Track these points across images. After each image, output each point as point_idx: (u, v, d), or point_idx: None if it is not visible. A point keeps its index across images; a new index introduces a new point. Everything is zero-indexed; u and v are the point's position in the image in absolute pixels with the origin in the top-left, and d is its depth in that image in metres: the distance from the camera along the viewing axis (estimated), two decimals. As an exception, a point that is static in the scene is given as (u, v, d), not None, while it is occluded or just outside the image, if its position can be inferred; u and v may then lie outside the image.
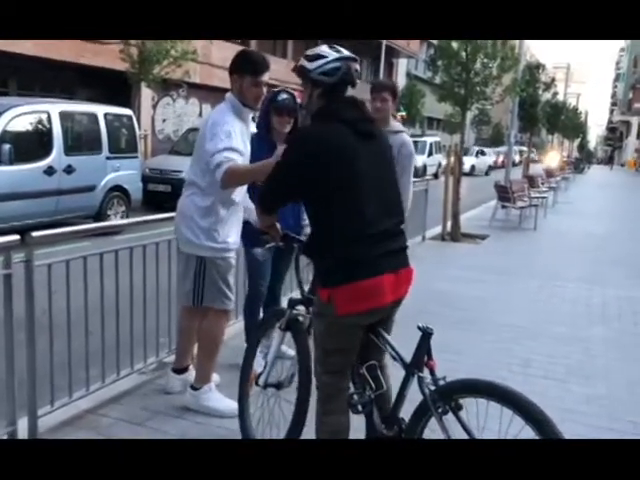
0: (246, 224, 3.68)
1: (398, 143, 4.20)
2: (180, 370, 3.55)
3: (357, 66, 2.46)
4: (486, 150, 37.39)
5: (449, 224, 9.79)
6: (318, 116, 2.42)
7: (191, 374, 3.53)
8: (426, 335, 2.30)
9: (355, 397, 2.48)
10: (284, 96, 3.74)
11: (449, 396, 2.26)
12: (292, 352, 3.36)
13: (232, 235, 3.29)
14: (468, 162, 27.38)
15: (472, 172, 28.93)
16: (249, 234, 3.75)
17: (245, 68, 3.15)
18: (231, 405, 3.27)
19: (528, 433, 2.09)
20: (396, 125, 4.42)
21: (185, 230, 3.22)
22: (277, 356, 2.97)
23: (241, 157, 3.05)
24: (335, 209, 2.31)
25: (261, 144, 3.67)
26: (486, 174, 29.69)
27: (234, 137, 3.01)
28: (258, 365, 3.24)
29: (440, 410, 2.24)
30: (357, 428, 2.58)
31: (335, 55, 2.37)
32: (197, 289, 3.27)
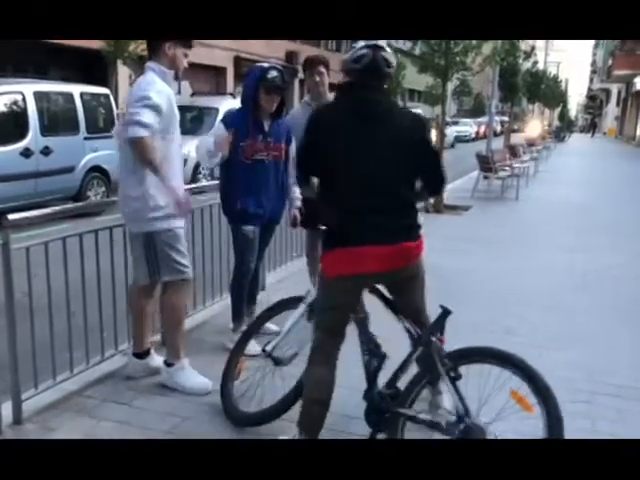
0: (236, 204, 3.68)
1: None
2: (140, 354, 3.50)
3: (385, 54, 2.56)
4: (461, 120, 37.35)
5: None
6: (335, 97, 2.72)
7: (153, 358, 3.51)
8: (445, 314, 2.58)
9: (367, 354, 2.72)
10: (274, 74, 3.68)
11: (458, 360, 2.52)
12: (276, 328, 3.38)
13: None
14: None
15: None
16: (239, 212, 3.75)
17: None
18: (202, 383, 3.31)
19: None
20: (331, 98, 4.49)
21: (124, 207, 3.22)
22: (290, 331, 2.99)
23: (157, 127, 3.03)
24: (323, 183, 2.57)
25: (246, 120, 3.64)
26: (452, 146, 28.89)
27: (153, 108, 2.99)
28: (254, 350, 3.27)
29: (452, 374, 2.48)
30: (357, 428, 2.61)
31: (362, 43, 2.54)
32: (152, 266, 3.25)
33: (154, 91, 3.03)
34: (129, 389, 3.36)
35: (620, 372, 3.78)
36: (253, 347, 3.30)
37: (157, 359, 3.52)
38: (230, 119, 3.79)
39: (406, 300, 2.74)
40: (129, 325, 3.60)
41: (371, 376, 2.70)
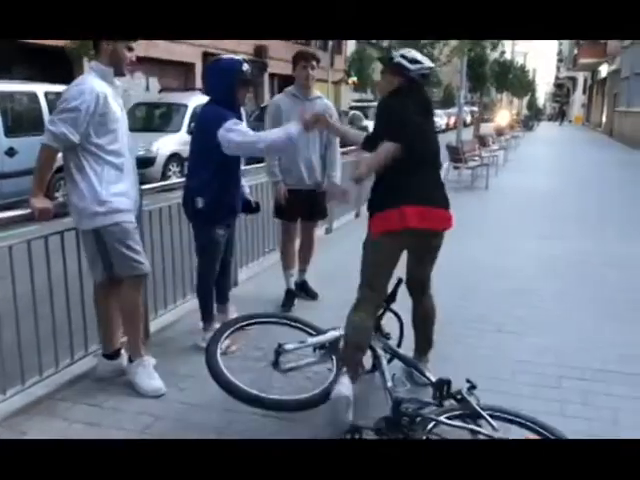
0: (209, 204, 3.63)
1: (323, 108, 4.31)
2: (111, 355, 3.47)
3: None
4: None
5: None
6: (395, 94, 3.22)
7: (124, 358, 3.49)
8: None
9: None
10: (247, 67, 3.64)
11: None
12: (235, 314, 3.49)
13: (118, 194, 3.15)
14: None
15: None
16: (210, 213, 3.68)
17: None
18: (154, 385, 3.30)
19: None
20: (316, 91, 4.62)
21: (69, 205, 3.20)
22: (315, 352, 3.16)
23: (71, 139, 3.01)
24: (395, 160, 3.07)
25: (223, 116, 3.48)
26: None
27: (73, 117, 2.98)
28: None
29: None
30: (368, 385, 2.62)
31: (428, 64, 3.26)
32: (105, 262, 3.23)
33: (79, 93, 3.00)
34: (100, 390, 3.33)
35: (586, 355, 3.86)
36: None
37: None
38: (221, 112, 3.56)
39: (422, 270, 3.39)
40: (99, 326, 3.57)
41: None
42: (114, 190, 3.14)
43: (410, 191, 3.02)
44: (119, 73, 3.24)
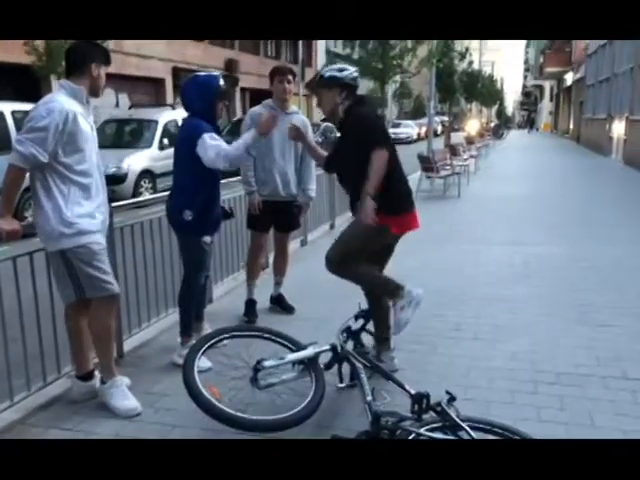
0: (197, 215, 3.66)
1: (300, 123, 4.36)
2: (84, 377, 3.41)
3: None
4: (403, 122, 37.71)
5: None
6: (357, 105, 3.55)
7: (98, 380, 3.43)
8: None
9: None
10: (223, 82, 3.74)
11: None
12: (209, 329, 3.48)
13: (84, 215, 3.10)
14: None
15: None
16: (198, 224, 3.71)
17: (101, 58, 3.20)
18: (129, 405, 3.25)
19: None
20: (293, 106, 4.71)
21: (36, 226, 3.15)
22: (294, 368, 3.14)
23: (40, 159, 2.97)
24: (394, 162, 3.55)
25: (202, 128, 3.58)
26: None
27: (40, 136, 2.93)
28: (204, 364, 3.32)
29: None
30: (347, 400, 2.60)
31: (354, 68, 3.66)
32: (75, 284, 3.17)
33: (48, 112, 2.96)
34: (74, 413, 3.26)
35: (561, 360, 3.90)
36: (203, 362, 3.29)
37: None
38: (203, 125, 3.65)
39: (387, 259, 3.82)
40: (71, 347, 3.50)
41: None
42: (80, 211, 3.09)
43: (410, 196, 3.64)
44: (95, 95, 3.22)
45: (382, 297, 3.68)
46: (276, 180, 4.53)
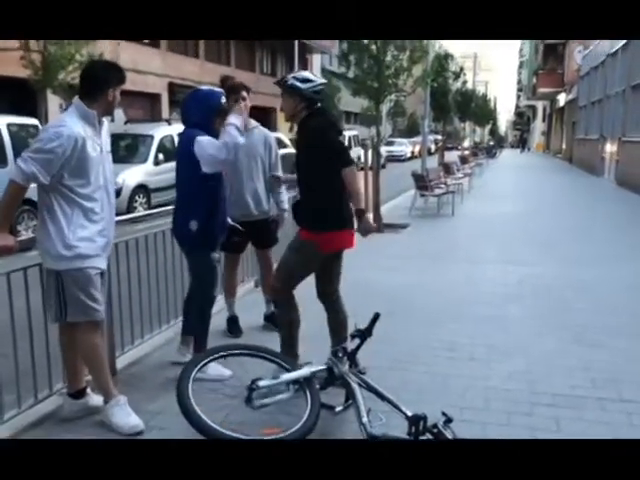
0: (202, 225, 3.66)
1: (262, 137, 4.36)
2: (76, 394, 3.37)
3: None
4: (397, 140, 37.70)
5: (371, 215, 9.93)
6: (315, 116, 3.59)
7: (91, 397, 3.40)
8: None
9: None
10: (224, 99, 3.77)
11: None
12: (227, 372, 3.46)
13: (85, 239, 3.08)
14: None
15: None
16: (204, 235, 3.71)
17: (120, 79, 3.21)
18: (132, 422, 3.21)
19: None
20: (253, 121, 4.62)
21: (37, 242, 3.14)
22: (289, 389, 3.13)
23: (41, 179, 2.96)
24: (327, 184, 3.57)
25: (197, 134, 3.60)
26: (382, 167, 29.18)
27: (46, 159, 2.92)
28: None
29: None
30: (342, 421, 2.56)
31: (320, 81, 3.63)
32: (59, 305, 3.13)
33: (57, 135, 2.94)
34: (65, 431, 3.21)
35: (557, 380, 3.89)
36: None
37: (95, 398, 3.39)
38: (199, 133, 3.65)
39: (333, 278, 3.81)
40: (63, 364, 3.46)
41: None
42: (82, 234, 3.06)
43: (340, 212, 3.60)
44: (108, 115, 3.25)
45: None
46: (247, 201, 4.49)
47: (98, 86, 3.12)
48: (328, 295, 3.80)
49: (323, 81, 3.68)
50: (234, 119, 3.55)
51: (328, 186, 3.53)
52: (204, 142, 3.53)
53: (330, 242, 3.58)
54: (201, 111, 3.70)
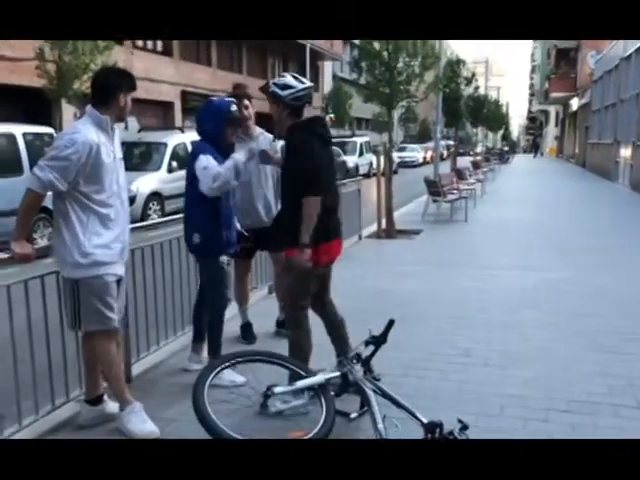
0: (205, 239, 3.70)
1: (268, 143, 4.39)
2: (92, 401, 3.39)
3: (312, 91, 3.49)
4: (409, 146, 37.76)
5: (384, 222, 9.93)
6: (297, 129, 3.43)
7: (108, 404, 3.42)
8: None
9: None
10: (235, 107, 3.79)
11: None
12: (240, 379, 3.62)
13: (101, 246, 3.11)
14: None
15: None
16: (208, 247, 3.75)
17: (131, 85, 3.23)
18: (147, 429, 3.23)
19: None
20: (257, 128, 4.64)
21: (54, 249, 3.17)
22: (303, 395, 3.17)
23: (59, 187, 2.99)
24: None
25: (215, 153, 3.67)
26: (394, 172, 28.54)
27: (62, 166, 2.96)
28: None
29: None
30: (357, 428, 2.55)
31: (301, 86, 3.41)
32: (74, 314, 3.16)
33: (72, 142, 2.98)
34: (82, 438, 3.23)
35: (573, 387, 3.86)
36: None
37: (112, 405, 3.41)
38: (206, 150, 3.71)
39: (326, 289, 3.74)
40: (80, 371, 3.49)
41: None
42: (98, 241, 3.09)
43: (333, 226, 3.56)
44: (121, 121, 3.28)
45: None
46: (258, 209, 4.51)
47: (109, 92, 3.15)
48: (324, 304, 3.76)
49: (306, 85, 3.46)
50: (239, 155, 3.57)
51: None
52: (201, 165, 3.59)
53: (322, 254, 3.45)
54: (212, 121, 3.74)
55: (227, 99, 3.87)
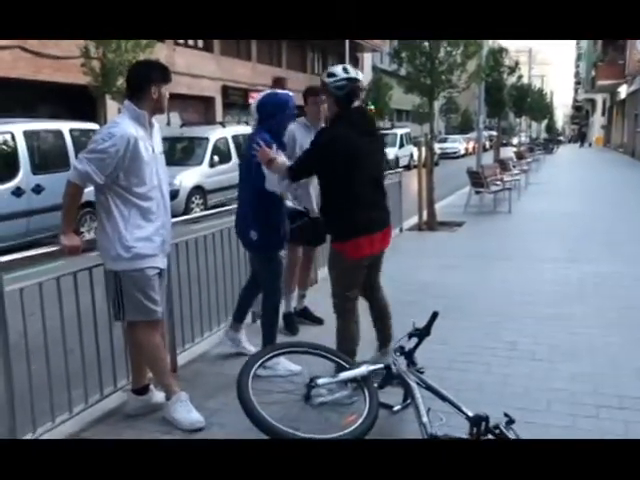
0: (262, 234, 3.73)
1: None
2: (138, 390, 3.44)
3: (361, 85, 3.40)
4: (450, 137, 37.22)
5: (425, 214, 9.83)
6: (332, 120, 3.42)
7: (155, 394, 3.47)
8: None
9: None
10: (294, 102, 3.82)
11: None
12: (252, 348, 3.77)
13: (143, 239, 3.14)
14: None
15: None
16: (265, 242, 3.77)
17: (163, 77, 3.23)
18: (193, 419, 3.26)
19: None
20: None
21: (97, 242, 3.22)
22: (347, 387, 3.17)
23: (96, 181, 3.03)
24: (339, 187, 3.36)
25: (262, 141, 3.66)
26: (435, 164, 28.68)
27: (100, 158, 2.99)
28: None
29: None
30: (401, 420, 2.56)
31: (343, 75, 3.32)
32: (118, 304, 3.21)
33: (110, 136, 3.02)
34: (128, 427, 3.30)
35: (623, 382, 3.75)
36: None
37: (158, 395, 3.47)
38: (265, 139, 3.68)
39: (374, 276, 3.69)
40: (127, 361, 3.56)
41: None
42: (139, 234, 3.13)
43: (373, 218, 3.49)
44: (160, 113, 3.30)
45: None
46: (311, 199, 4.51)
47: (140, 84, 3.17)
48: (373, 289, 3.75)
49: (347, 76, 3.32)
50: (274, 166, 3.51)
51: (339, 193, 3.37)
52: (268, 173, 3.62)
53: (356, 249, 3.39)
54: (276, 115, 3.72)
55: (290, 93, 3.87)
